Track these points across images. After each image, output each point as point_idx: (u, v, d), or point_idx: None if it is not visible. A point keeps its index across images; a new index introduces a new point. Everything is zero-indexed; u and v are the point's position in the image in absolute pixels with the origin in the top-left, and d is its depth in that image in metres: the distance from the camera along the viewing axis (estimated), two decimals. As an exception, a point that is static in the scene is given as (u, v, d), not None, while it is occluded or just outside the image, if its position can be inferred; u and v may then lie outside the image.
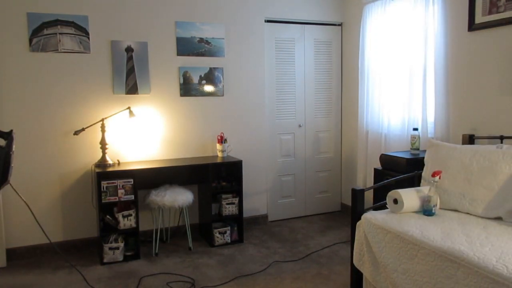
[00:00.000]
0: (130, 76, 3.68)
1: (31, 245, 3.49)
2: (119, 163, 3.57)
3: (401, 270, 2.18)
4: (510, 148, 2.45)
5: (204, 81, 3.95)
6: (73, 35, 3.48)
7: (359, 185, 4.10)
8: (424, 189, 2.53)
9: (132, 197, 3.35)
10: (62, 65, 3.48)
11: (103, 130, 3.48)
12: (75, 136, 3.49)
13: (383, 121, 3.89)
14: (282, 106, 4.37)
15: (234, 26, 4.03)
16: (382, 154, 3.36)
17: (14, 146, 2.04)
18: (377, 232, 2.38)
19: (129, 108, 3.62)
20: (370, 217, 2.47)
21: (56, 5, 3.41)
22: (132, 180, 3.34)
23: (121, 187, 3.31)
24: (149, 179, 3.67)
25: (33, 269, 3.25)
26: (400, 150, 3.51)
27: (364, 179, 4.11)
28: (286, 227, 4.25)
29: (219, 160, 3.76)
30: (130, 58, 3.67)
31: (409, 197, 2.48)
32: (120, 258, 3.35)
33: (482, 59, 3.03)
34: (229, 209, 3.71)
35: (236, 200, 3.74)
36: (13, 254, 3.41)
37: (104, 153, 3.49)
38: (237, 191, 3.77)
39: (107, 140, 3.55)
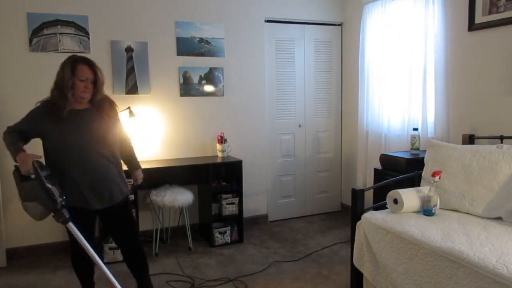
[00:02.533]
0: (130, 76, 3.68)
1: (31, 245, 3.49)
2: (119, 163, 3.56)
3: (401, 270, 2.18)
4: (510, 148, 2.45)
5: (204, 81, 3.95)
6: (73, 35, 3.48)
7: (359, 185, 4.10)
8: (424, 189, 2.53)
9: (132, 197, 3.34)
10: (62, 65, 3.47)
11: (103, 130, 3.48)
12: (75, 136, 3.48)
13: (383, 121, 3.89)
14: (282, 106, 4.37)
15: (234, 26, 4.03)
16: (382, 154, 3.35)
17: (42, 172, 2.08)
18: (377, 232, 2.38)
19: (129, 108, 3.62)
20: (370, 217, 2.47)
21: (56, 5, 3.41)
22: (132, 180, 3.33)
23: (121, 187, 3.30)
24: (149, 179, 3.65)
25: (33, 269, 3.25)
26: (400, 150, 3.51)
27: (364, 179, 4.11)
28: (286, 227, 4.25)
29: (219, 160, 3.76)
30: (130, 58, 3.67)
31: (409, 197, 2.48)
32: (120, 258, 3.35)
33: (482, 59, 3.03)
34: (229, 209, 3.71)
35: (236, 200, 3.74)
36: (13, 254, 3.41)
37: (104, 153, 3.49)
38: (237, 191, 3.77)
39: (107, 140, 3.54)
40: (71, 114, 2.23)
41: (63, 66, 2.23)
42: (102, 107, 2.33)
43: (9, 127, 2.32)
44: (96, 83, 2.27)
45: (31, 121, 2.27)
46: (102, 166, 2.29)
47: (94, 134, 2.26)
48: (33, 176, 2.07)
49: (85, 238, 2.14)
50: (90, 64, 2.25)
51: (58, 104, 2.20)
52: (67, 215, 2.09)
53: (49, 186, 2.07)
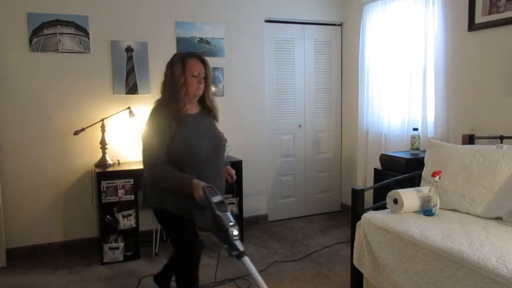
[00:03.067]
0: (130, 76, 3.68)
1: (31, 245, 3.49)
2: (119, 163, 3.57)
3: (401, 270, 2.18)
4: (510, 148, 2.45)
5: (204, 81, 3.94)
6: (73, 35, 3.48)
7: (359, 185, 4.10)
8: (424, 189, 2.53)
9: (132, 197, 3.35)
10: (62, 65, 3.48)
11: (103, 130, 3.48)
12: (75, 136, 3.49)
13: (383, 121, 3.89)
14: (282, 106, 4.37)
15: (234, 26, 4.03)
16: (382, 154, 3.35)
17: (213, 198, 1.84)
18: (377, 232, 2.38)
19: (129, 108, 3.62)
20: (370, 217, 2.47)
21: (56, 5, 3.41)
22: (132, 180, 3.34)
23: (121, 187, 3.31)
24: (149, 179, 3.66)
25: (33, 269, 3.25)
26: (400, 150, 3.51)
27: (364, 179, 4.11)
28: (286, 227, 4.25)
29: (219, 160, 3.76)
30: (130, 58, 3.67)
31: (409, 197, 2.48)
32: (120, 258, 3.35)
33: (482, 59, 3.03)
34: (229, 209, 3.71)
35: (236, 200, 3.74)
36: (13, 254, 3.41)
37: (104, 153, 3.49)
38: (237, 191, 3.77)
39: (107, 140, 3.54)
40: (189, 118, 2.08)
41: (171, 64, 2.09)
42: (213, 111, 2.21)
43: (158, 160, 2.05)
44: (207, 79, 2.12)
45: (167, 132, 2.05)
46: (217, 174, 2.16)
47: (212, 141, 2.14)
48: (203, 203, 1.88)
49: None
50: (201, 58, 2.11)
51: (173, 106, 2.04)
52: (241, 248, 1.77)
53: (219, 214, 1.81)
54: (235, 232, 1.78)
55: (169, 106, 2.06)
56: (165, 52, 3.75)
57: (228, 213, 1.83)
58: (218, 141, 2.18)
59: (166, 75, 2.10)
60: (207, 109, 2.20)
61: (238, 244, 1.77)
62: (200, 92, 2.11)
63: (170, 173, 2.02)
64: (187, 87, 2.06)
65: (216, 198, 1.86)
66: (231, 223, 1.79)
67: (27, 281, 3.05)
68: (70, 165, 3.56)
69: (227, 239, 1.77)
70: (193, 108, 2.14)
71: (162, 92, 2.12)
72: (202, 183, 1.94)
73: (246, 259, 1.77)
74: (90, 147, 3.59)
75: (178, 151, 2.04)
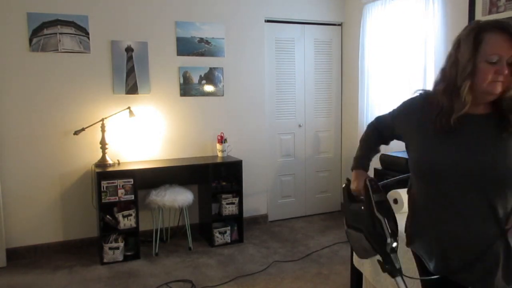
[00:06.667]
0: (130, 76, 3.68)
1: (31, 245, 3.49)
2: (119, 163, 3.57)
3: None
4: (510, 148, 2.44)
5: (204, 81, 3.95)
6: (73, 35, 3.48)
7: (359, 185, 4.09)
8: (424, 189, 2.53)
9: (132, 197, 3.35)
10: (62, 65, 3.48)
11: (103, 130, 3.48)
12: (75, 136, 3.49)
13: (383, 121, 3.88)
14: (282, 106, 4.37)
15: (234, 26, 4.03)
16: (382, 154, 3.35)
17: (374, 196, 1.48)
18: (377, 232, 2.37)
19: (129, 108, 3.62)
20: (370, 217, 2.46)
21: (56, 5, 3.41)
22: (132, 180, 3.34)
23: (121, 187, 3.31)
24: (149, 179, 3.66)
25: (33, 269, 3.25)
26: (400, 150, 3.51)
27: (364, 179, 4.10)
28: (286, 227, 4.25)
29: (219, 160, 3.76)
30: (130, 58, 3.67)
31: (409, 197, 2.47)
32: (120, 258, 3.35)
33: (482, 59, 3.02)
34: (229, 209, 3.71)
35: (236, 200, 3.74)
36: (13, 254, 3.41)
37: (104, 153, 3.49)
38: (237, 191, 3.77)
39: (107, 140, 3.54)
40: (455, 121, 1.32)
41: (459, 40, 1.31)
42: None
43: (376, 118, 1.75)
44: None
45: (396, 115, 1.59)
46: (480, 220, 1.32)
47: (486, 163, 1.29)
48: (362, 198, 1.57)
49: None
50: (509, 32, 1.23)
51: (441, 104, 1.33)
52: (397, 264, 1.42)
53: (380, 217, 1.46)
54: (394, 244, 1.44)
55: (434, 103, 1.36)
56: (165, 52, 3.78)
57: (387, 219, 1.47)
58: (488, 163, 1.28)
59: (448, 57, 1.35)
60: (504, 113, 1.30)
61: (395, 258, 1.43)
62: (497, 89, 1.25)
63: (362, 140, 1.71)
64: (475, 78, 1.26)
65: (379, 197, 1.50)
66: (392, 231, 1.44)
67: (27, 281, 3.05)
68: (70, 165, 3.56)
69: (382, 249, 1.45)
70: (476, 109, 1.33)
71: (437, 80, 1.39)
72: (367, 175, 1.57)
73: (399, 281, 1.42)
74: (90, 147, 3.59)
75: (418, 158, 1.43)
